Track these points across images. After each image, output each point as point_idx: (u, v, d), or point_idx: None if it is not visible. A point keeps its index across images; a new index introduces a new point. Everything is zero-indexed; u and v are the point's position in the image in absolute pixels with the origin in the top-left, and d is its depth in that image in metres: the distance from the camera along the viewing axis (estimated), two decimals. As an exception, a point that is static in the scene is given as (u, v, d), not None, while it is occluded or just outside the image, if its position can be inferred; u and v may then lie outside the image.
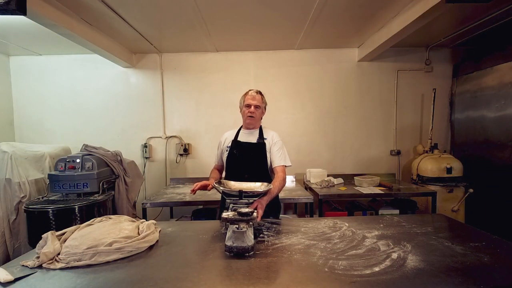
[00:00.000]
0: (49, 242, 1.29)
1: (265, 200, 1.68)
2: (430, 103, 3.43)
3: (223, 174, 2.13)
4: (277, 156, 1.95)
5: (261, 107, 2.02)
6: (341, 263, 1.21)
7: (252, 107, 1.97)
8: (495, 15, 2.62)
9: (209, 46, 3.43)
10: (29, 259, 1.26)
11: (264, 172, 1.97)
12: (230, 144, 2.02)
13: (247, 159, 1.96)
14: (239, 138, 2.03)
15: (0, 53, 3.51)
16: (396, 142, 3.72)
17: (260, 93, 2.04)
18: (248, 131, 2.05)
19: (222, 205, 2.03)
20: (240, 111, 2.07)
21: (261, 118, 2.09)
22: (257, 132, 2.04)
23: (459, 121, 3.56)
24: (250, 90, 2.05)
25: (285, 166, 1.95)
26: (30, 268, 1.20)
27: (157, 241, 1.48)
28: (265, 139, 2.00)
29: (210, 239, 1.52)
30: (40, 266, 1.22)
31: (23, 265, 1.22)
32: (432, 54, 3.63)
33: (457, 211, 3.07)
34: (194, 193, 1.77)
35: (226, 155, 2.01)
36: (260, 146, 1.97)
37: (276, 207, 2.02)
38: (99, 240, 1.30)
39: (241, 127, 2.10)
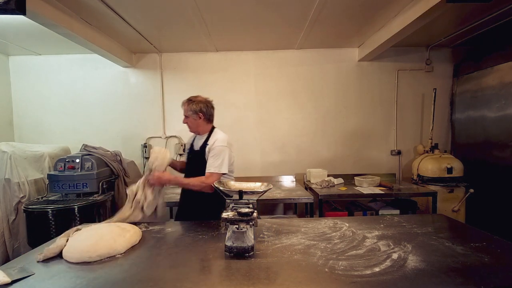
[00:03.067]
0: (57, 238, 1.33)
1: (166, 178, 1.78)
2: (431, 103, 3.43)
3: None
4: (209, 162, 1.87)
5: (189, 116, 1.98)
6: (341, 263, 1.20)
7: (184, 118, 2.02)
8: (495, 15, 2.61)
9: (209, 46, 3.43)
10: (28, 260, 1.26)
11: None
12: (188, 147, 2.11)
13: (192, 164, 2.01)
14: (193, 143, 2.08)
15: (-1, 53, 3.51)
16: (397, 142, 3.72)
17: (188, 101, 2.00)
18: (199, 136, 2.06)
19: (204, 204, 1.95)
20: None
21: (206, 121, 2.02)
22: (205, 136, 2.02)
23: (460, 121, 3.56)
24: None
25: (214, 173, 1.82)
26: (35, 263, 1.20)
27: (158, 241, 1.47)
28: (207, 144, 1.94)
29: (210, 239, 1.52)
30: (40, 266, 1.22)
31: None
32: (432, 54, 3.63)
33: (458, 211, 3.06)
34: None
35: (186, 157, 2.13)
36: (200, 153, 1.95)
37: (211, 208, 1.86)
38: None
39: None
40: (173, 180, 1.83)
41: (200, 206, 1.94)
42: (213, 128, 2.07)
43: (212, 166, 1.85)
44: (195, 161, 1.98)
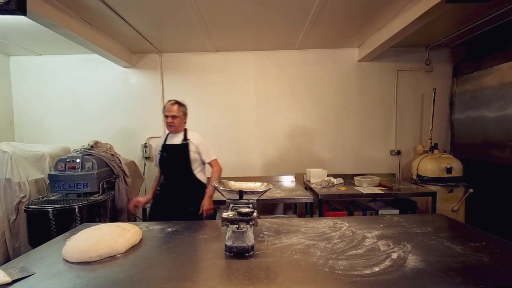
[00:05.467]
0: None
1: (209, 203, 2.22)
2: (430, 103, 3.43)
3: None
4: (205, 154, 2.30)
5: (179, 116, 2.29)
6: (341, 263, 1.21)
7: (169, 118, 2.26)
8: (495, 15, 2.61)
9: (209, 46, 3.43)
10: (29, 259, 1.26)
11: (188, 168, 2.28)
12: (160, 148, 2.34)
13: (173, 158, 2.29)
14: (167, 142, 2.34)
15: (0, 53, 3.51)
16: (396, 142, 3.72)
17: (177, 103, 2.30)
18: (173, 135, 2.34)
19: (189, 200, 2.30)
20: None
21: (185, 123, 2.38)
22: (181, 134, 2.34)
23: (459, 121, 3.56)
24: (168, 101, 2.31)
25: (215, 158, 2.34)
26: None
27: (158, 241, 1.48)
28: (188, 139, 2.29)
29: (210, 239, 1.52)
30: (40, 266, 1.22)
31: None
32: (432, 54, 3.63)
33: (457, 211, 3.06)
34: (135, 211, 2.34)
35: (159, 158, 2.33)
36: (183, 146, 2.28)
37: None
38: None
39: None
40: (211, 196, 2.24)
41: (183, 196, 2.26)
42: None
43: (212, 154, 2.33)
44: (176, 154, 2.28)
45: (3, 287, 1.06)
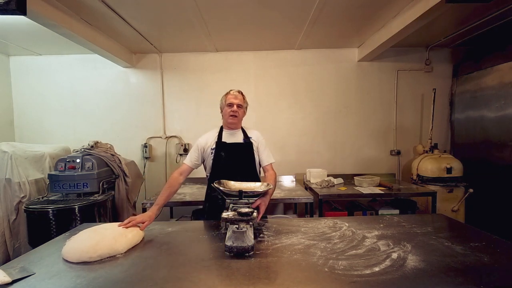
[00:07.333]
0: None
1: (267, 199, 1.68)
2: (430, 103, 3.43)
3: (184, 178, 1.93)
4: (265, 154, 2.00)
5: (243, 107, 2.01)
6: (341, 263, 1.21)
7: (235, 106, 1.94)
8: (495, 15, 2.62)
9: (209, 46, 3.43)
10: (29, 259, 1.26)
11: (253, 171, 1.97)
12: (214, 146, 1.95)
13: (235, 159, 1.94)
14: (223, 139, 1.98)
15: (0, 53, 3.51)
16: (396, 142, 3.72)
17: (241, 93, 2.03)
18: (231, 131, 2.01)
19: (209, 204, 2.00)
20: (221, 111, 2.05)
21: (242, 119, 2.06)
22: (240, 132, 2.03)
23: (459, 121, 3.56)
24: (231, 90, 2.03)
25: (273, 162, 2.02)
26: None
27: (158, 241, 1.48)
28: (251, 138, 2.00)
29: (210, 239, 1.52)
30: (40, 266, 1.22)
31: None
32: (432, 54, 3.63)
33: (457, 211, 3.06)
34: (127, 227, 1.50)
35: (212, 158, 1.95)
36: (248, 146, 1.97)
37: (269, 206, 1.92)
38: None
39: (222, 128, 2.06)
40: (270, 197, 1.75)
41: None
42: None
43: (270, 157, 2.01)
44: (239, 155, 1.96)
45: (3, 287, 1.06)
